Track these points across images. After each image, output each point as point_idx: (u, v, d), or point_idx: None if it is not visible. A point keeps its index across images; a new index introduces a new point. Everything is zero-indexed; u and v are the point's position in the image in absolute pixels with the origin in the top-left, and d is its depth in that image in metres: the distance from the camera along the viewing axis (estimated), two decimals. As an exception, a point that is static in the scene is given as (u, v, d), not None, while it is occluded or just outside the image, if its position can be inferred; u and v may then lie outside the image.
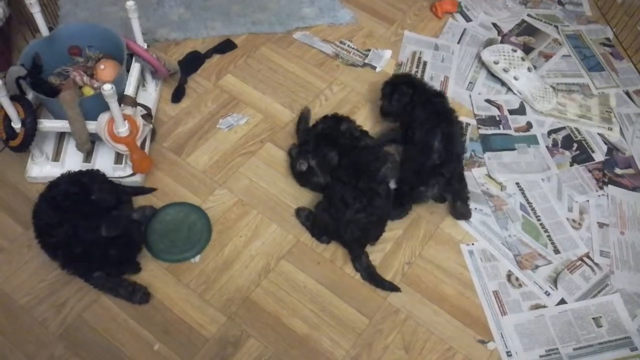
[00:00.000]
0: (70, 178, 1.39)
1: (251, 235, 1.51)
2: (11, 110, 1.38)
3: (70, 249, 1.30)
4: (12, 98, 1.39)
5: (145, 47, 1.65)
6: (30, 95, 1.46)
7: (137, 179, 1.55)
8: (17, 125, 1.41)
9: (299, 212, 1.54)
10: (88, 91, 1.51)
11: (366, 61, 1.92)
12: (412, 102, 1.59)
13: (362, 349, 1.35)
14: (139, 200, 1.53)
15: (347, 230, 1.41)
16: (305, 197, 1.58)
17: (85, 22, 1.79)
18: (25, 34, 1.80)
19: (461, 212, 1.55)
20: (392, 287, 1.44)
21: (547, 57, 1.99)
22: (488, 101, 1.85)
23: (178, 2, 2.00)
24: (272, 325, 1.37)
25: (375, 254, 1.49)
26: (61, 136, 1.62)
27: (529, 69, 1.86)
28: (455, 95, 1.85)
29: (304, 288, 1.43)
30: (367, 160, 1.48)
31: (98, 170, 1.45)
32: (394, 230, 1.54)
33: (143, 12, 1.90)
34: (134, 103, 1.49)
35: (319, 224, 1.49)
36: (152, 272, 1.43)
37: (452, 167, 1.49)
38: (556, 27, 2.09)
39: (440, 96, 1.61)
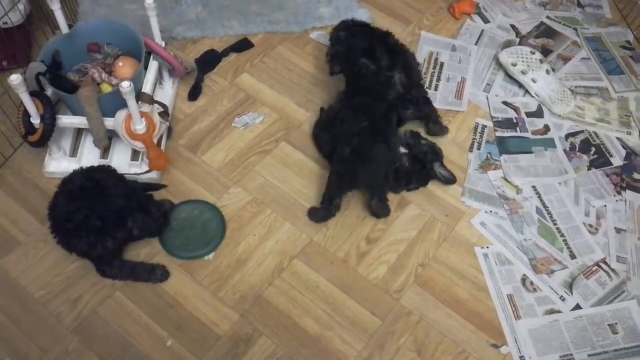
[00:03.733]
0: (84, 173, 1.41)
1: (265, 234, 1.51)
2: (31, 106, 1.40)
3: (89, 228, 1.32)
4: (32, 94, 1.40)
5: (164, 45, 1.67)
6: (50, 91, 1.48)
7: (153, 176, 1.56)
8: (36, 120, 1.42)
9: (311, 212, 1.54)
10: (106, 88, 1.52)
11: (383, 62, 1.91)
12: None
13: (374, 350, 1.35)
14: (154, 197, 1.53)
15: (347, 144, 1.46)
16: (320, 198, 1.58)
17: (105, 20, 1.80)
18: (45, 31, 1.82)
19: (435, 131, 1.71)
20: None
21: (566, 60, 1.97)
22: (505, 103, 1.83)
23: (196, 1, 2.01)
24: (285, 324, 1.38)
25: (390, 254, 1.49)
26: (79, 132, 1.63)
27: (547, 72, 1.84)
28: (473, 97, 1.84)
29: (317, 288, 1.43)
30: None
31: (110, 166, 1.47)
32: (408, 231, 1.54)
33: (161, 11, 1.91)
34: (151, 101, 1.50)
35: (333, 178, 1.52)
36: (165, 266, 1.44)
37: (416, 92, 1.65)
38: (575, 29, 2.06)
39: (388, 36, 1.72)
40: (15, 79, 1.32)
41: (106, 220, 1.32)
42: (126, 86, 1.32)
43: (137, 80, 1.48)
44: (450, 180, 1.61)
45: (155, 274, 1.41)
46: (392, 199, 1.57)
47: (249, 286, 1.43)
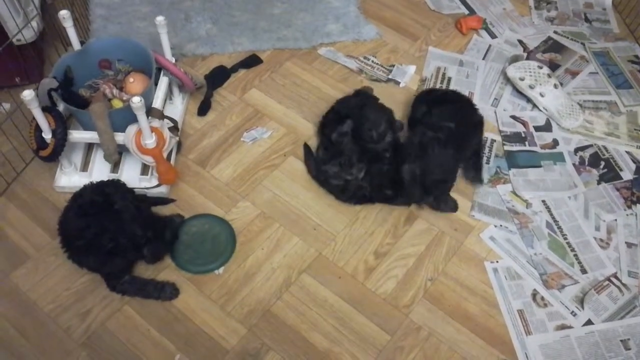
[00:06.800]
0: (94, 188, 1.42)
1: (273, 248, 1.51)
2: (43, 121, 1.41)
3: (99, 247, 1.32)
4: (44, 109, 1.42)
5: (174, 61, 1.69)
6: (61, 106, 1.50)
7: (162, 190, 1.57)
8: (47, 135, 1.44)
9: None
10: (117, 103, 1.54)
11: (390, 76, 1.92)
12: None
13: (383, 365, 1.34)
14: (162, 210, 1.54)
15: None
16: (327, 212, 1.58)
17: (116, 37, 1.84)
18: (57, 48, 1.85)
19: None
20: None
21: (574, 74, 1.97)
22: (513, 117, 1.83)
23: (206, 18, 2.04)
24: (293, 339, 1.37)
25: (398, 269, 1.48)
26: (89, 147, 1.65)
27: (555, 86, 1.84)
28: (480, 111, 1.84)
29: (325, 302, 1.43)
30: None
31: (119, 180, 1.48)
32: (416, 245, 1.53)
33: (172, 28, 1.95)
34: (161, 116, 1.51)
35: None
36: (175, 282, 1.44)
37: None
38: (583, 44, 2.07)
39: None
40: (27, 94, 1.34)
41: (119, 242, 1.33)
42: (137, 101, 1.33)
43: (148, 96, 1.49)
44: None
45: (165, 291, 1.41)
46: (400, 213, 1.58)
47: (257, 300, 1.42)
